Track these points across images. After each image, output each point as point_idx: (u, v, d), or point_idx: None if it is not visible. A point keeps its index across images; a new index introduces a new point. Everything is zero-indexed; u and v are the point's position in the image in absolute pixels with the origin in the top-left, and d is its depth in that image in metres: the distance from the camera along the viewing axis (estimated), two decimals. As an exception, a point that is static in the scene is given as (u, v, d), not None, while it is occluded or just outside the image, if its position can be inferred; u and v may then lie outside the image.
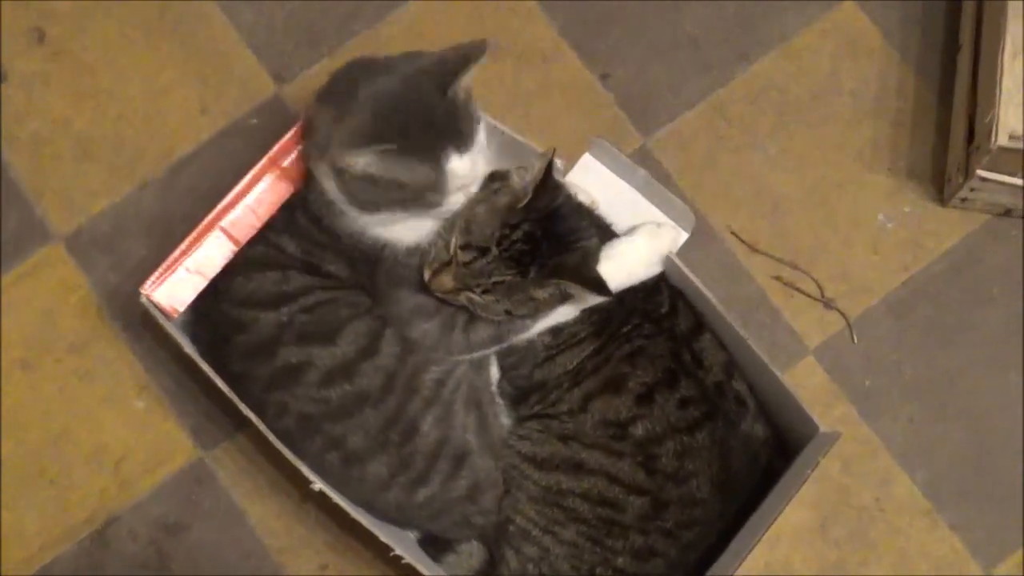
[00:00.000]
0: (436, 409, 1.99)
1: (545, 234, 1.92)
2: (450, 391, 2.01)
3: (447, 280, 1.95)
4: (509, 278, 1.92)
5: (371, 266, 2.01)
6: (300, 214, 2.02)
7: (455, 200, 1.94)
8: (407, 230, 1.99)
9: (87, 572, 2.19)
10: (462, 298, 1.96)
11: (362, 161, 1.87)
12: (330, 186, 1.95)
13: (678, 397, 1.99)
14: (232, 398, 1.97)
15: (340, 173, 1.91)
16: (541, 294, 1.94)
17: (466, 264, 1.92)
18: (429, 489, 2.00)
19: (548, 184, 1.92)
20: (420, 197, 1.91)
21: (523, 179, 1.94)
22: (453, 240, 1.94)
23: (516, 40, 2.39)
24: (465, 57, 1.92)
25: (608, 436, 1.99)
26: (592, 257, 1.96)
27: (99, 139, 2.35)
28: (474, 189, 1.96)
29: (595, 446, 1.98)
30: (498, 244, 1.91)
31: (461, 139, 1.92)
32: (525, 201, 1.90)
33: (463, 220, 1.94)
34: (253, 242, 2.04)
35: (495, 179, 1.98)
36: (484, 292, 1.94)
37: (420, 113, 1.89)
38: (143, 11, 2.40)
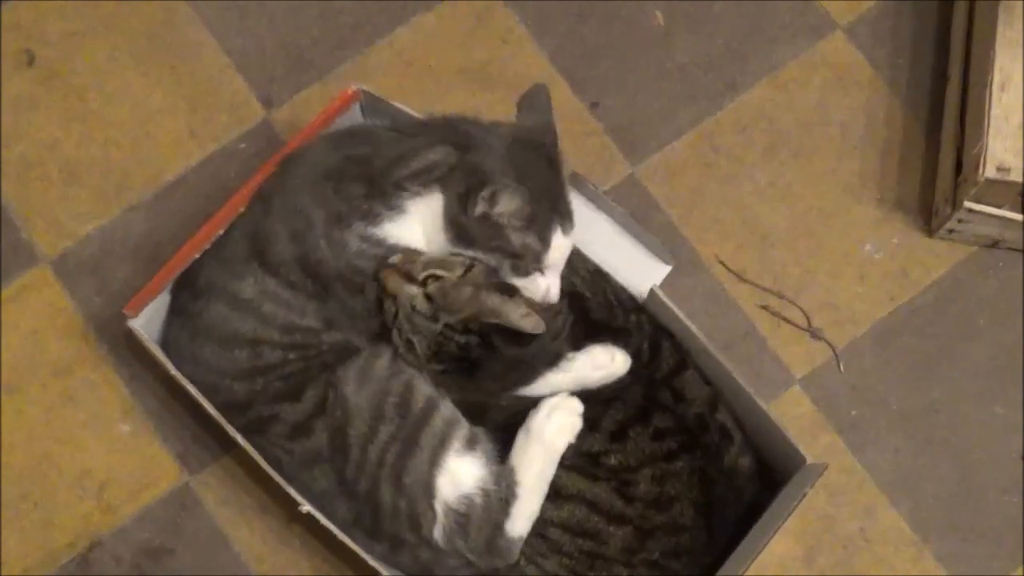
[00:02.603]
0: (369, 476, 1.94)
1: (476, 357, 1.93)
2: (390, 455, 1.94)
3: (394, 283, 1.93)
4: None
5: (349, 291, 1.98)
6: (281, 257, 1.96)
7: (541, 284, 1.94)
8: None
9: (69, 597, 2.18)
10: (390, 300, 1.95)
11: (518, 204, 1.86)
12: (430, 206, 1.92)
13: (652, 429, 1.99)
14: (219, 420, 1.97)
15: (472, 201, 1.88)
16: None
17: (413, 308, 1.92)
18: (381, 547, 1.99)
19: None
20: (517, 259, 1.91)
21: (520, 306, 1.90)
22: (426, 277, 1.92)
23: (506, 68, 2.39)
24: (550, 118, 1.96)
25: (583, 462, 1.98)
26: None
27: (87, 162, 2.35)
28: (556, 285, 1.95)
29: (572, 468, 1.97)
30: (446, 326, 1.91)
31: (568, 218, 1.94)
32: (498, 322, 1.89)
33: (448, 283, 1.91)
34: (213, 298, 2.00)
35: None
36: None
37: (541, 183, 1.91)
38: (133, 35, 2.40)
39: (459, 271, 1.92)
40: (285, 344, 1.98)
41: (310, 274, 1.95)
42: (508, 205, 1.86)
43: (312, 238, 1.94)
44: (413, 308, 1.92)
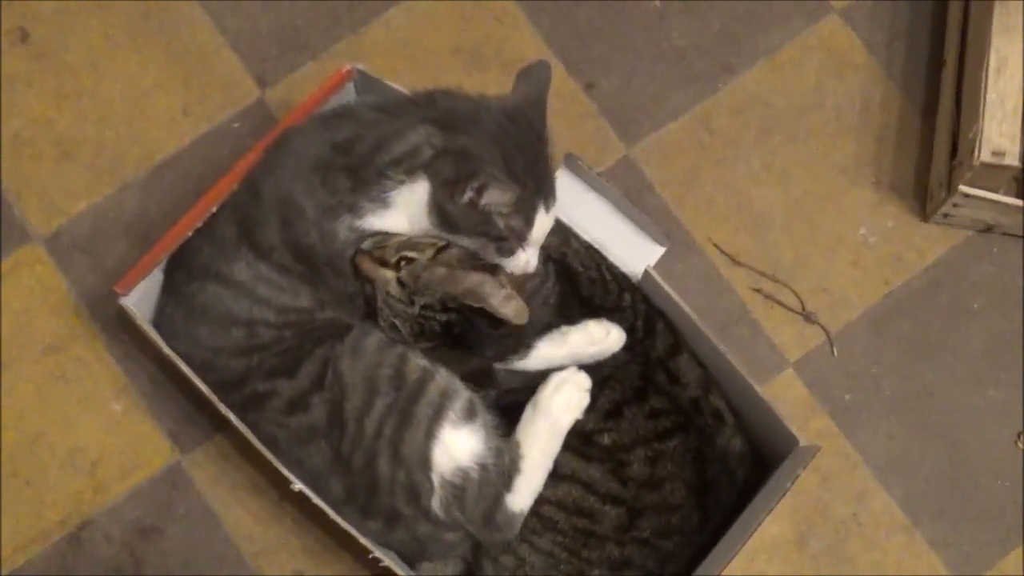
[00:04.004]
0: (365, 450, 1.93)
1: (461, 332, 1.92)
2: (387, 427, 1.93)
3: (368, 267, 1.92)
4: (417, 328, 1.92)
5: (342, 278, 1.98)
6: (271, 243, 1.96)
7: (520, 259, 1.92)
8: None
9: (60, 575, 2.17)
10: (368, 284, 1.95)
11: (508, 196, 1.84)
12: (415, 194, 1.89)
13: (647, 409, 1.99)
14: (211, 398, 1.96)
15: (460, 191, 1.85)
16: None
17: (388, 293, 1.91)
18: (375, 523, 1.98)
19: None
20: (502, 239, 1.89)
21: (501, 286, 1.89)
22: (398, 260, 1.92)
23: (501, 48, 2.39)
24: (542, 93, 1.93)
25: (577, 441, 1.98)
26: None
27: (80, 140, 2.34)
28: (535, 257, 1.94)
29: (567, 448, 1.97)
30: (423, 308, 1.90)
31: (551, 195, 1.92)
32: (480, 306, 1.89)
33: (419, 266, 1.91)
34: (208, 280, 2.00)
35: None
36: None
37: (529, 161, 1.89)
38: (127, 13, 2.39)
39: (430, 252, 1.91)
40: (280, 324, 1.97)
41: (301, 259, 1.95)
42: (497, 197, 1.85)
43: (302, 226, 1.93)
44: (388, 293, 1.92)
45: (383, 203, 1.91)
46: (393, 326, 1.93)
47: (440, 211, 1.89)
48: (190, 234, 2.01)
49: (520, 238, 1.90)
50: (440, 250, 1.91)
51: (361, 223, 1.92)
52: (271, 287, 1.96)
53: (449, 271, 1.89)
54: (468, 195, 1.85)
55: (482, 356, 1.96)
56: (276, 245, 1.95)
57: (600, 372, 1.99)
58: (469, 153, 1.87)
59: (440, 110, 1.92)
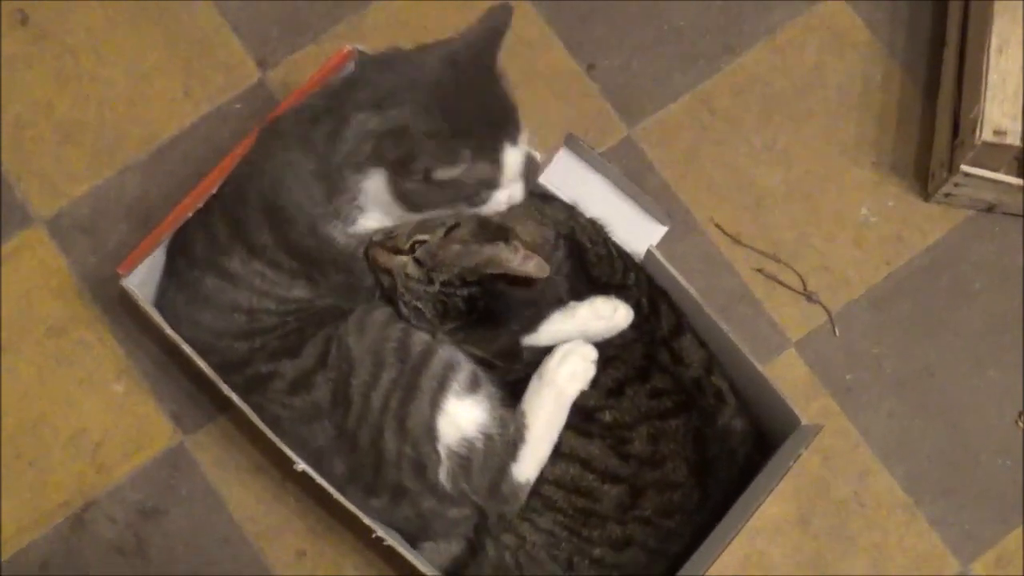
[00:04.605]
0: (372, 425, 1.93)
1: (486, 306, 1.93)
2: (393, 400, 1.93)
3: (384, 259, 1.92)
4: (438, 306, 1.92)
5: (347, 273, 1.97)
6: (263, 242, 1.95)
7: (501, 198, 1.89)
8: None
9: (63, 556, 2.18)
10: (386, 277, 1.95)
11: (458, 167, 1.80)
12: (376, 188, 1.86)
13: (649, 387, 1.99)
14: (214, 379, 1.96)
15: (408, 175, 1.82)
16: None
17: (407, 276, 1.91)
18: (379, 501, 1.99)
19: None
20: (474, 194, 1.86)
21: (516, 250, 1.89)
22: (412, 244, 1.92)
23: (502, 29, 2.38)
24: (497, 31, 1.86)
25: (577, 419, 1.98)
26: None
27: (81, 122, 2.34)
28: (519, 188, 1.91)
29: (566, 427, 1.97)
30: (443, 284, 1.91)
31: (515, 128, 1.87)
32: (500, 272, 1.89)
33: (432, 244, 1.91)
34: (208, 270, 1.99)
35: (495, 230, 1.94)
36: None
37: (479, 105, 1.83)
38: (128, -5, 2.39)
39: (441, 231, 1.91)
40: (281, 312, 1.97)
41: (297, 258, 1.94)
42: (447, 173, 1.81)
43: (295, 232, 1.92)
44: (407, 276, 1.92)
45: (359, 207, 1.89)
46: (417, 311, 1.93)
47: (403, 196, 1.85)
48: (190, 215, 2.00)
49: (492, 184, 1.86)
50: (451, 229, 1.91)
51: (355, 228, 1.91)
52: (267, 281, 1.96)
53: (464, 246, 1.89)
54: (418, 176, 1.81)
55: (509, 331, 1.96)
56: (268, 245, 1.94)
57: (605, 352, 1.99)
58: (406, 131, 1.81)
59: (371, 86, 1.86)
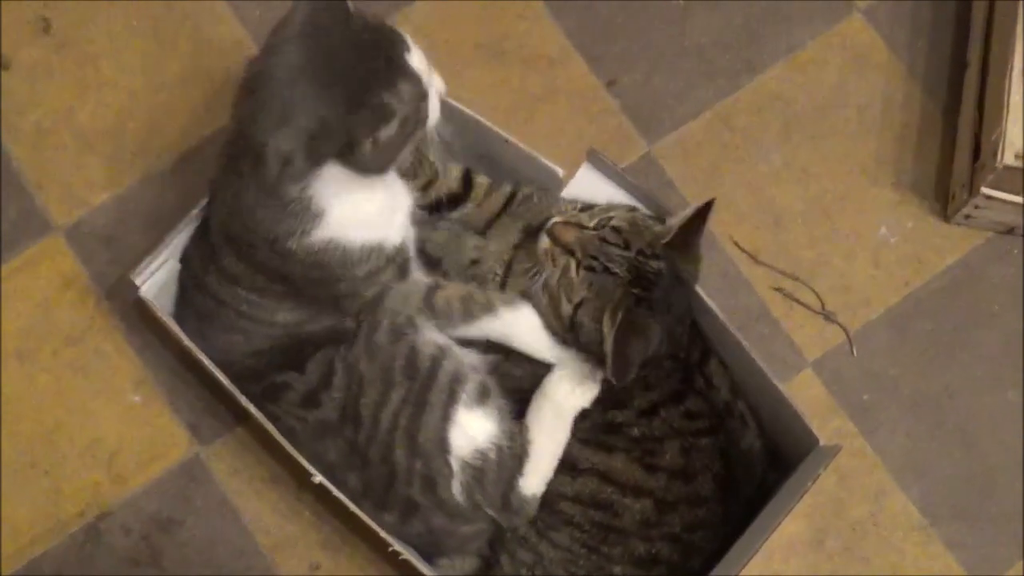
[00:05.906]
0: (381, 443, 1.94)
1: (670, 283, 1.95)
2: (403, 418, 1.93)
3: (570, 234, 1.94)
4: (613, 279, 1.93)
5: (319, 284, 1.94)
6: (233, 271, 1.95)
7: (434, 100, 1.83)
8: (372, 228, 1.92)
9: (78, 566, 2.17)
10: (552, 263, 1.96)
11: (396, 119, 1.76)
12: (329, 183, 1.82)
13: (683, 409, 1.99)
14: (231, 390, 1.97)
15: (361, 149, 1.76)
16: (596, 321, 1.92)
17: (603, 241, 1.93)
18: (391, 516, 1.99)
19: (693, 230, 1.96)
20: (417, 115, 1.80)
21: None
22: (583, 216, 1.98)
23: (523, 44, 2.39)
24: None
25: (600, 433, 1.99)
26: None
27: (102, 131, 2.34)
28: (437, 79, 1.85)
29: (585, 443, 1.98)
30: (639, 253, 1.93)
31: (399, 39, 1.80)
32: (668, 238, 1.93)
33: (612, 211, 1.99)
34: (202, 289, 2.00)
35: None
36: (581, 268, 1.93)
37: (360, 49, 1.76)
38: (150, 4, 2.39)
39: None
40: (273, 335, 1.98)
41: (277, 280, 1.94)
42: (389, 130, 1.76)
43: (262, 254, 1.90)
44: (603, 240, 1.93)
45: (316, 213, 1.84)
46: (590, 286, 1.93)
47: (367, 167, 1.80)
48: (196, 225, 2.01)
49: (423, 96, 1.80)
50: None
51: (320, 232, 1.86)
52: (251, 305, 1.97)
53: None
54: (367, 149, 1.76)
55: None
56: (240, 273, 1.94)
57: (645, 382, 1.99)
58: (326, 123, 1.75)
59: (264, 107, 1.78)
